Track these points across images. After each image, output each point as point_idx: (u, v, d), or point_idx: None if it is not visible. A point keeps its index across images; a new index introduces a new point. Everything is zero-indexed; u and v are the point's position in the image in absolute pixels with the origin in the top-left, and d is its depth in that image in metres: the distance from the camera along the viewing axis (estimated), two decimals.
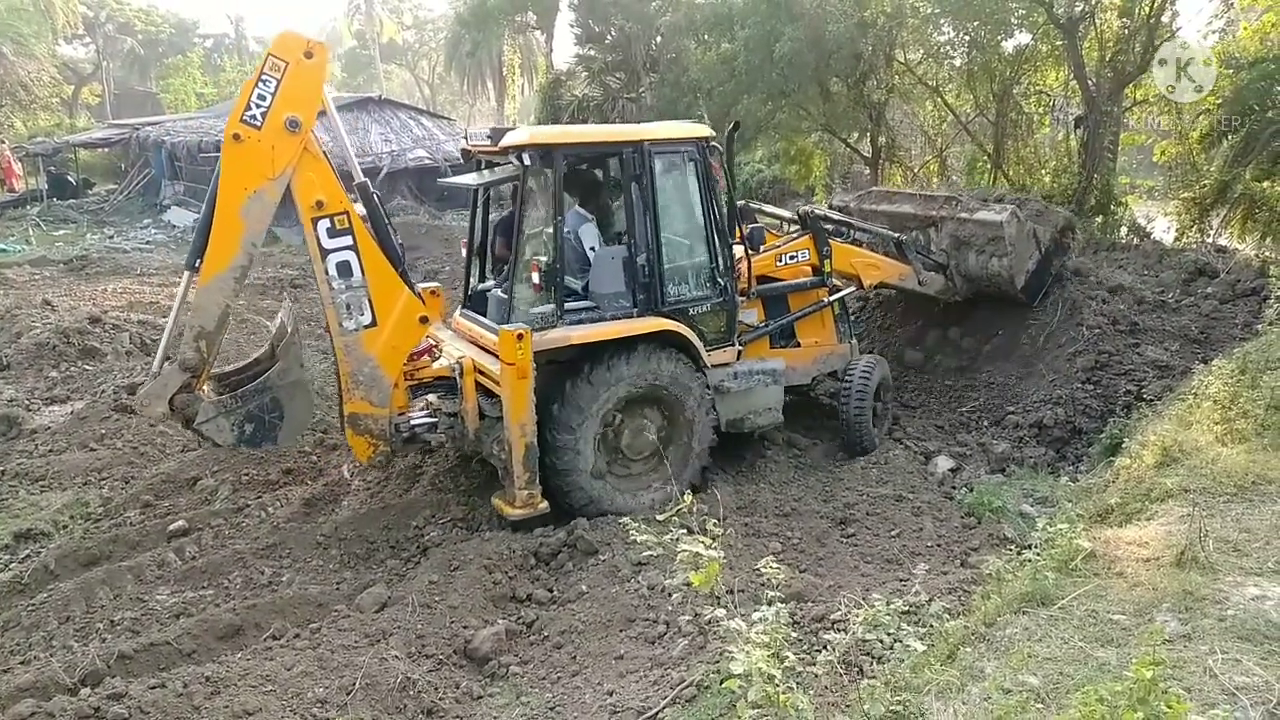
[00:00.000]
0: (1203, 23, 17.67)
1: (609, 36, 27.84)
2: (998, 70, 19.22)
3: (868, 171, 23.08)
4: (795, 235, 8.23)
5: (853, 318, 9.02)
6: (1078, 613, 4.15)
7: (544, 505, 6.39)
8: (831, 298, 8.17)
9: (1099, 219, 15.84)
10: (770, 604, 3.38)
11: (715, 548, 3.43)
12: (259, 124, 5.61)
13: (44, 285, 15.90)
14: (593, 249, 6.93)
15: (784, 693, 3.07)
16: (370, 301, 5.98)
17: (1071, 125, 18.03)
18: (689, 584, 3.42)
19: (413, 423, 6.35)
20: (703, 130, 7.17)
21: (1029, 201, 8.99)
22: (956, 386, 9.37)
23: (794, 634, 3.95)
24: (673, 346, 6.82)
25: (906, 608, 4.34)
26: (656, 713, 4.37)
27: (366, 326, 6.00)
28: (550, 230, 6.50)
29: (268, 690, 4.70)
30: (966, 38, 18.68)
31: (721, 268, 7.07)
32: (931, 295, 9.58)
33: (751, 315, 7.71)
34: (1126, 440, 7.19)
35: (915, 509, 6.81)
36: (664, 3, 24.64)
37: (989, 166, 20.16)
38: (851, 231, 8.92)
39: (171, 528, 6.71)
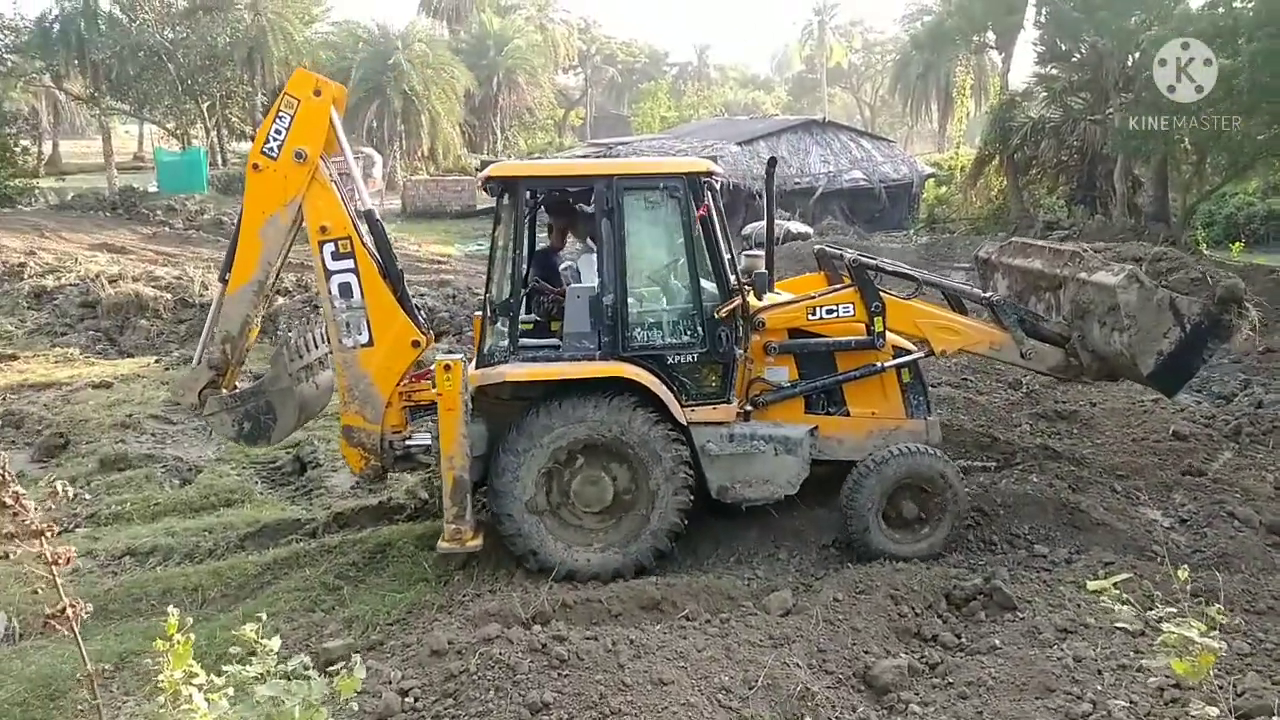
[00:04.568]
0: None
1: (1077, 54, 25.66)
2: None
3: None
4: (840, 287, 7.15)
5: None
6: None
7: (475, 543, 6.30)
8: (891, 363, 6.92)
9: None
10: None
11: (1214, 637, 2.95)
12: (275, 155, 6.22)
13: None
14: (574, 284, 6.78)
15: None
16: (368, 322, 6.34)
17: None
18: (1170, 670, 3.00)
19: (408, 443, 6.51)
20: (697, 165, 6.68)
21: (1185, 263, 6.80)
22: None
23: None
24: (640, 397, 6.34)
25: None
26: None
27: (363, 345, 6.36)
28: (514, 262, 6.49)
29: (680, 665, 5.06)
30: None
31: (709, 315, 6.52)
32: (1044, 373, 7.66)
33: (782, 373, 6.88)
34: None
35: None
36: (1149, 16, 21.97)
37: None
38: (921, 287, 7.36)
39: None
